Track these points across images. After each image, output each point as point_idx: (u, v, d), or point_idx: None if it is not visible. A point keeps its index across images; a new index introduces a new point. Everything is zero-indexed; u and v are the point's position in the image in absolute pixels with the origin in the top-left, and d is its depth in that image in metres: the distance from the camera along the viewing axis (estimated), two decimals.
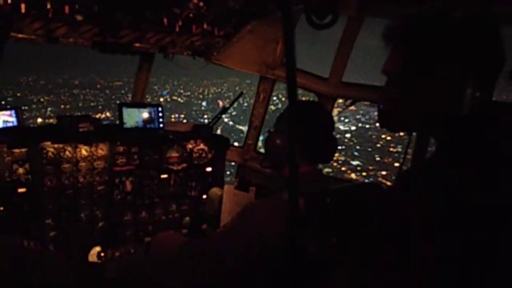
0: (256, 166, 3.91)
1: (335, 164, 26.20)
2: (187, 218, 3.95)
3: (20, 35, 2.69)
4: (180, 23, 2.78)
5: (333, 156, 2.15)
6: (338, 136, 2.18)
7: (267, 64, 3.48)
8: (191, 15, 2.73)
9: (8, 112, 3.29)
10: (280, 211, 1.81)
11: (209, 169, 3.93)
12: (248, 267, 1.87)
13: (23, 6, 2.45)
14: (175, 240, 3.24)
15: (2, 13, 2.50)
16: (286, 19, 0.63)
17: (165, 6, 2.57)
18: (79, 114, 4.62)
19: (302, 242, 1.70)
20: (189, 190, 3.92)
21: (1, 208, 3.09)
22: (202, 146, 3.88)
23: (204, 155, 3.89)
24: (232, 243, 1.91)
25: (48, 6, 2.45)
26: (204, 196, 3.83)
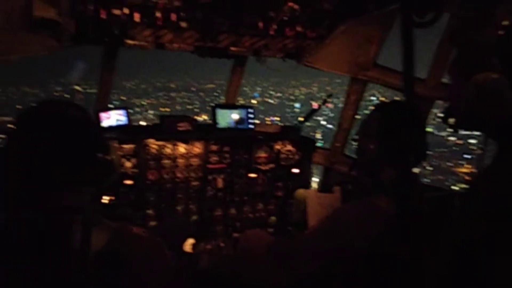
0: (344, 170, 3.83)
1: None
2: (273, 218, 4.02)
3: (132, 42, 3.02)
4: (274, 26, 2.86)
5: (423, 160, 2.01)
6: None
7: (359, 65, 3.40)
8: (285, 18, 2.79)
9: (120, 112, 3.71)
10: (372, 216, 1.75)
11: (295, 170, 3.96)
12: (336, 270, 1.85)
13: (137, 15, 2.75)
14: (263, 239, 3.32)
15: (119, 22, 2.84)
16: (406, 23, 0.62)
17: (262, 10, 2.67)
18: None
19: (396, 249, 1.63)
20: (275, 190, 4.00)
21: (112, 198, 3.48)
22: (289, 147, 3.93)
23: (291, 156, 3.93)
24: (321, 245, 1.90)
25: (158, 14, 2.71)
26: (290, 197, 3.87)
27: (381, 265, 1.68)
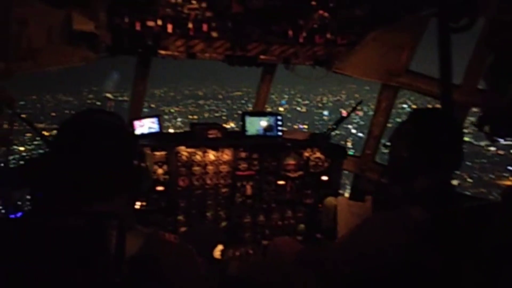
0: (374, 177, 3.76)
1: None
2: (302, 225, 3.99)
3: (165, 52, 3.11)
4: (304, 34, 2.88)
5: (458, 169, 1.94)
6: None
7: (390, 72, 3.35)
8: (315, 26, 2.80)
9: (152, 120, 3.81)
10: (403, 226, 1.71)
11: (325, 177, 3.93)
12: (366, 281, 1.82)
13: (170, 26, 2.84)
14: (292, 246, 3.31)
15: (152, 33, 2.94)
16: (442, 28, 0.62)
17: (292, 18, 2.69)
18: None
19: (428, 260, 1.59)
20: (304, 197, 3.97)
21: (144, 203, 3.57)
22: (318, 154, 3.91)
23: (320, 163, 3.91)
24: (351, 254, 1.88)
25: (190, 25, 2.79)
26: (320, 205, 3.83)
27: (412, 275, 1.64)
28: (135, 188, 1.36)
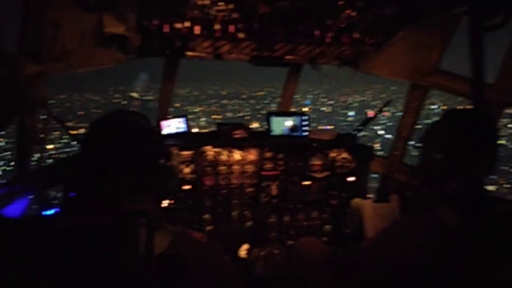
0: (402, 179, 3.68)
1: None
2: (328, 226, 3.97)
3: (192, 54, 3.16)
4: (330, 34, 2.85)
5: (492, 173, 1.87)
6: None
7: (419, 71, 3.27)
8: (342, 25, 2.77)
9: (180, 120, 3.88)
10: (433, 229, 1.67)
11: (351, 178, 3.88)
12: (394, 285, 1.78)
13: (197, 28, 2.87)
14: (319, 248, 3.28)
15: (180, 35, 2.99)
16: (474, 26, 0.60)
17: (318, 18, 2.68)
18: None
19: (458, 264, 1.54)
20: (330, 198, 3.94)
21: (171, 202, 3.63)
22: (345, 155, 3.86)
23: (346, 164, 3.86)
24: (378, 258, 1.85)
25: (217, 26, 2.82)
26: (346, 206, 3.79)
27: (440, 280, 1.60)
28: (162, 187, 1.38)
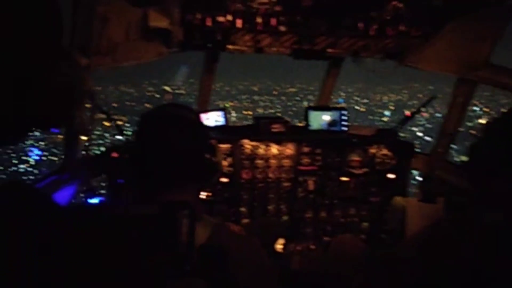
0: (446, 177, 3.56)
1: None
2: (366, 224, 3.90)
3: (233, 47, 3.17)
4: (375, 26, 2.78)
5: None
6: None
7: (469, 65, 3.12)
8: (388, 17, 2.69)
9: (218, 113, 3.91)
10: (482, 231, 1.60)
11: (391, 175, 3.79)
12: (439, 283, 1.73)
13: (239, 21, 2.89)
14: (356, 245, 3.25)
15: (222, 29, 3.01)
16: None
17: (363, 11, 2.61)
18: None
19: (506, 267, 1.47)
20: (369, 195, 3.87)
21: (209, 194, 3.69)
22: (385, 151, 3.77)
23: (387, 160, 3.77)
24: (423, 260, 1.79)
25: (259, 20, 2.82)
26: (386, 204, 3.71)
27: (487, 283, 1.53)
28: (206, 181, 1.40)
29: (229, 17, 2.87)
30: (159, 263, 1.11)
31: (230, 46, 3.16)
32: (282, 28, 2.85)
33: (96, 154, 3.59)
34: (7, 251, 0.59)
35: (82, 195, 3.26)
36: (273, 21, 2.82)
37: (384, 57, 3.30)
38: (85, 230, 0.71)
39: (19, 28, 0.65)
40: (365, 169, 3.79)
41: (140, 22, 2.92)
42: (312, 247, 3.86)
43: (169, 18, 2.88)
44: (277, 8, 2.71)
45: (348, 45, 3.10)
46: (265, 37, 3.06)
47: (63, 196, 3.03)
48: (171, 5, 2.83)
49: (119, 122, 3.89)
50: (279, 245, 3.64)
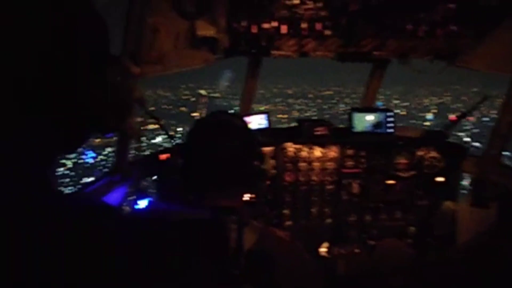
0: (499, 180, 3.40)
1: None
2: (413, 228, 3.80)
3: (278, 52, 3.22)
4: (424, 27, 2.73)
5: None
6: None
7: None
8: (438, 18, 2.64)
9: (261, 116, 3.97)
10: None
11: (440, 179, 3.68)
12: None
13: (283, 27, 2.93)
14: (402, 251, 3.18)
15: (267, 35, 3.07)
16: None
17: (412, 12, 2.58)
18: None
19: None
20: (416, 199, 3.77)
21: (252, 196, 3.74)
22: (434, 153, 3.67)
23: (435, 163, 3.67)
24: (478, 269, 1.75)
25: (304, 25, 2.85)
26: (435, 208, 3.61)
27: None
28: (253, 187, 1.44)
29: (275, 24, 2.93)
30: (209, 268, 1.13)
31: (274, 52, 3.22)
32: (327, 32, 2.87)
33: (146, 156, 3.74)
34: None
35: (131, 195, 3.41)
36: (319, 26, 2.84)
37: (433, 58, 3.22)
38: (148, 238, 0.73)
39: (69, 36, 0.69)
40: (412, 172, 3.71)
41: (187, 31, 3.04)
42: (357, 251, 3.81)
43: (216, 27, 2.98)
44: (323, 13, 2.73)
45: (395, 47, 3.06)
46: (309, 41, 3.09)
47: (115, 196, 3.19)
48: (217, 15, 2.92)
49: (159, 125, 4.00)
50: (323, 249, 3.63)
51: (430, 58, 3.20)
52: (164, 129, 3.75)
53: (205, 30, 3.02)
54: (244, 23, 2.98)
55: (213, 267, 1.13)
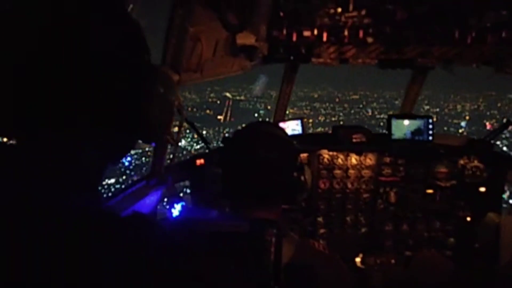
0: None
1: None
2: (452, 239, 3.69)
3: (317, 60, 3.21)
4: (473, 34, 2.65)
5: None
6: None
7: None
8: (487, 24, 2.56)
9: (296, 122, 3.96)
10: None
11: (482, 189, 3.55)
12: None
13: (325, 35, 2.92)
14: (441, 263, 3.08)
15: (307, 42, 3.06)
16: None
17: (460, 20, 2.51)
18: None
19: None
20: (456, 209, 3.66)
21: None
22: (476, 163, 3.55)
23: (478, 173, 3.54)
24: None
25: (345, 33, 2.83)
26: (476, 219, 3.49)
27: None
28: (293, 199, 1.41)
29: (315, 32, 2.91)
30: (248, 282, 1.11)
31: (314, 59, 3.20)
32: (369, 40, 2.84)
33: (182, 161, 3.80)
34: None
35: (166, 198, 3.48)
36: (361, 33, 2.81)
37: (479, 64, 3.12)
38: (187, 252, 0.72)
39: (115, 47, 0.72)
40: (452, 182, 3.60)
41: (226, 40, 3.07)
42: (393, 261, 3.74)
43: (256, 35, 2.99)
44: (366, 21, 2.70)
45: (440, 54, 2.98)
46: (350, 48, 3.06)
47: (151, 200, 3.26)
48: (258, 23, 2.94)
49: (196, 132, 4.05)
50: (359, 259, 3.58)
51: (476, 65, 3.11)
52: (200, 136, 3.81)
53: (245, 38, 3.03)
54: (284, 31, 2.99)
55: (252, 281, 1.13)
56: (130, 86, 0.74)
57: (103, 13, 0.72)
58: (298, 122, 3.96)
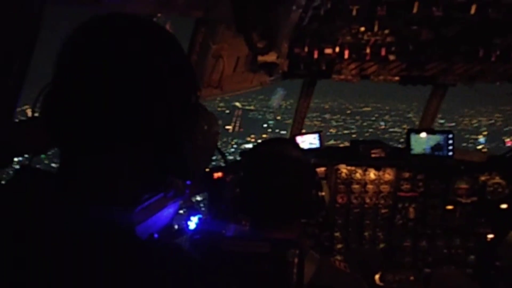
0: None
1: None
2: (473, 257, 3.64)
3: (338, 76, 3.23)
4: (497, 52, 2.66)
5: None
6: None
7: None
8: None
9: (314, 135, 3.95)
10: None
11: (504, 206, 3.51)
12: None
13: (346, 52, 2.95)
14: (462, 282, 3.03)
15: (328, 59, 3.09)
16: None
17: (485, 39, 2.52)
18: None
19: None
20: (477, 226, 3.61)
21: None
22: (498, 179, 3.50)
23: (500, 190, 3.50)
24: None
25: (367, 50, 2.86)
26: (498, 237, 3.43)
27: None
28: (312, 217, 1.44)
29: (337, 49, 2.94)
30: None
31: (335, 76, 3.22)
32: (391, 57, 2.86)
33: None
34: None
35: (184, 211, 3.51)
36: (383, 51, 2.83)
37: (504, 81, 3.11)
38: (208, 274, 0.73)
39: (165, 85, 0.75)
40: (473, 198, 3.56)
41: (248, 57, 3.11)
42: (412, 278, 3.68)
43: (277, 53, 3.03)
44: (389, 39, 2.73)
45: (462, 71, 2.99)
46: (371, 65, 3.09)
47: (168, 212, 3.29)
48: (280, 41, 2.98)
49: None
50: (378, 276, 3.53)
51: (500, 82, 3.10)
52: (218, 149, 3.84)
53: (267, 56, 3.08)
54: (306, 49, 3.02)
55: None
56: (187, 126, 0.77)
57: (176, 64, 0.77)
58: (316, 136, 3.95)
